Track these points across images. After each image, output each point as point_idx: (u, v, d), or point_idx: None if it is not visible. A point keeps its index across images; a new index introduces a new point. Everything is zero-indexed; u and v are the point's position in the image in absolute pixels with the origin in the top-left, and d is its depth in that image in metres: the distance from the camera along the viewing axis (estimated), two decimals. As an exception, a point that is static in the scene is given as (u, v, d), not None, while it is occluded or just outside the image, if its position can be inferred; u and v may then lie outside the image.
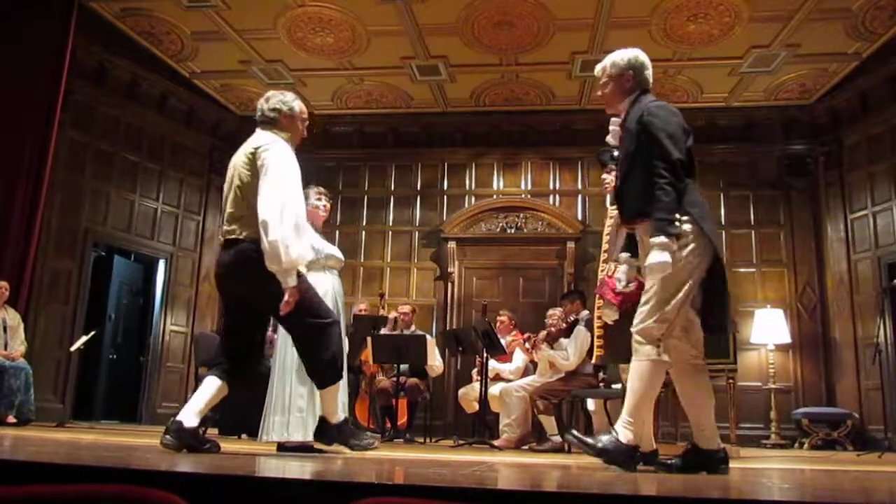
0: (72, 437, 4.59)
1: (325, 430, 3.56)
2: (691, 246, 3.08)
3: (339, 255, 4.59)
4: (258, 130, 3.61)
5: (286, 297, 3.25)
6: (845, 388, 8.73)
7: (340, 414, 3.68)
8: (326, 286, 4.29)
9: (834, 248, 9.12)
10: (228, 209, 3.44)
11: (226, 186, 3.55)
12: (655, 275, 3.05)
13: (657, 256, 2.99)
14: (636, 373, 3.11)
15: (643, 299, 3.15)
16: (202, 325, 9.71)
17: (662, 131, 3.13)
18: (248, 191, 3.36)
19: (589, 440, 3.11)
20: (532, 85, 9.42)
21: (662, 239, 2.99)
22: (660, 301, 3.08)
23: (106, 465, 2.18)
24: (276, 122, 3.60)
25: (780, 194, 9.63)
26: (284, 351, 4.39)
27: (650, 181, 3.10)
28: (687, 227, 3.07)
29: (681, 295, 3.07)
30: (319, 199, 4.67)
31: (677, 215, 3.04)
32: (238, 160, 3.50)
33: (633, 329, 3.13)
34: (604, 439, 3.11)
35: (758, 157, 9.78)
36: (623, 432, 3.10)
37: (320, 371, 3.45)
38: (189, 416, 3.31)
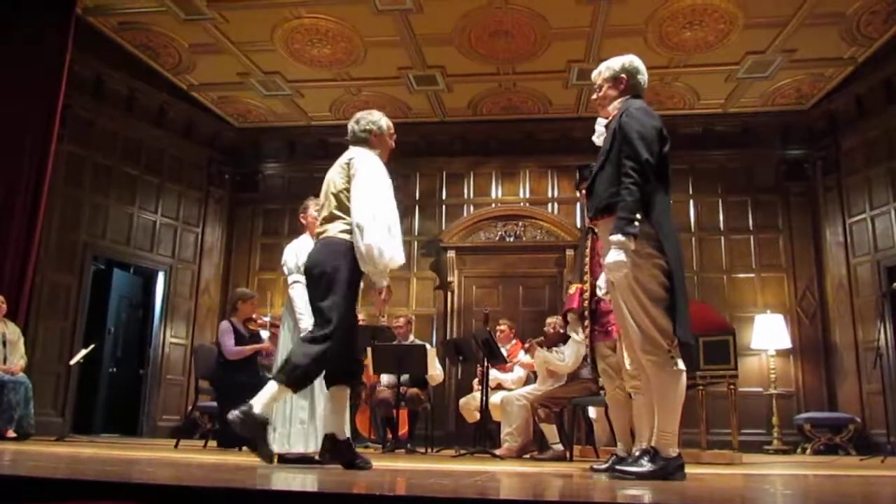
0: (72, 452, 4.58)
1: (337, 449, 3.44)
2: (650, 254, 3.09)
3: None
4: (350, 147, 3.85)
5: (382, 295, 3.56)
6: (847, 393, 8.71)
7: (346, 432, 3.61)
8: None
9: (833, 253, 9.12)
10: (323, 213, 3.73)
11: (321, 197, 3.81)
12: (612, 273, 3.08)
13: (613, 256, 3.02)
14: (663, 390, 3.10)
15: (629, 322, 3.13)
16: (202, 336, 9.69)
17: (636, 132, 3.16)
18: (340, 196, 3.64)
19: (632, 469, 3.05)
20: (529, 94, 9.45)
21: (619, 238, 3.02)
22: (645, 317, 3.08)
23: (107, 479, 2.17)
24: (367, 140, 3.84)
25: (779, 199, 9.65)
26: None
27: (618, 180, 3.14)
28: (647, 231, 3.08)
29: (653, 302, 3.08)
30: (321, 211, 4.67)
31: (638, 216, 3.04)
32: (334, 171, 3.76)
33: (640, 353, 3.12)
34: (644, 462, 3.05)
35: (755, 162, 9.80)
36: (664, 447, 3.07)
37: (293, 368, 3.35)
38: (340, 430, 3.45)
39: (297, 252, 4.68)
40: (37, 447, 5.19)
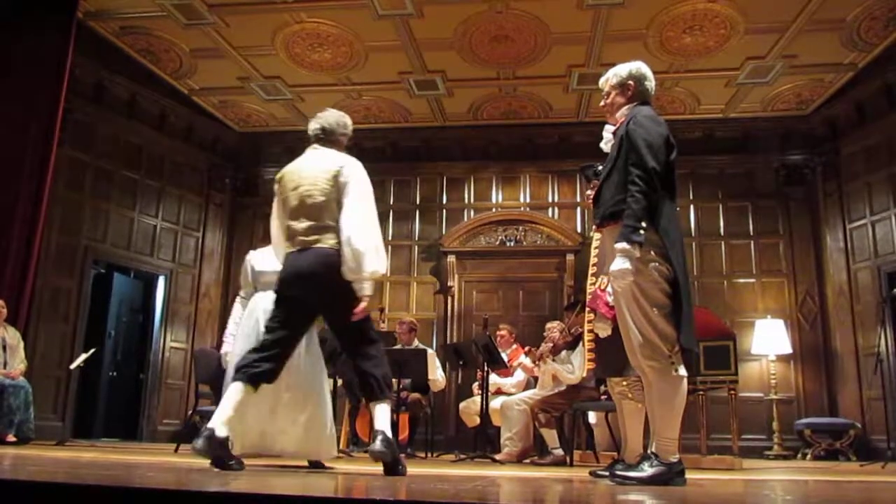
0: (72, 456, 4.58)
1: (388, 445, 3.34)
2: (654, 262, 3.09)
3: (272, 269, 4.16)
4: (325, 147, 3.77)
5: (362, 305, 3.47)
6: (847, 398, 8.70)
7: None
8: (252, 306, 4.23)
9: (833, 258, 9.12)
10: (308, 221, 3.56)
11: (295, 198, 3.63)
12: (616, 281, 3.08)
13: (618, 263, 3.02)
14: (663, 395, 3.09)
15: (632, 328, 3.12)
16: (202, 341, 9.69)
17: (643, 140, 3.15)
18: (331, 204, 3.55)
19: (633, 474, 3.02)
20: (530, 98, 9.46)
21: (624, 245, 3.01)
22: (647, 324, 3.08)
23: (107, 484, 2.17)
24: (339, 142, 3.82)
25: (779, 204, 9.65)
26: None
27: (625, 188, 3.14)
28: (652, 239, 3.08)
29: (656, 309, 3.08)
30: None
31: (644, 224, 3.04)
32: (316, 175, 3.62)
33: (642, 359, 3.10)
34: (645, 467, 3.03)
35: (755, 167, 9.81)
36: (665, 452, 3.06)
37: (372, 384, 3.44)
38: (219, 425, 3.31)
39: (249, 262, 4.55)
40: (37, 451, 5.18)
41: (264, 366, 3.43)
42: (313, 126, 3.83)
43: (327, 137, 3.80)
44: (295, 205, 3.62)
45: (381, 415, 3.41)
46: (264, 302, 4.20)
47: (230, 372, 4.07)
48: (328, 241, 3.51)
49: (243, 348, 4.07)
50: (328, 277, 3.46)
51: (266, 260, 4.40)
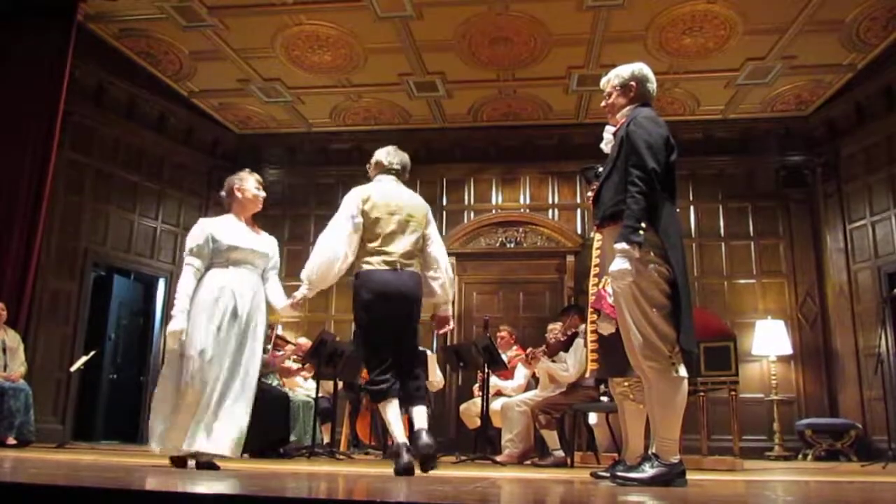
0: (72, 459, 4.58)
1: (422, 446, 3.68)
2: (654, 263, 3.10)
3: (248, 246, 4.05)
4: (401, 183, 4.20)
5: (451, 323, 4.39)
6: (848, 399, 8.70)
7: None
8: (222, 282, 3.92)
9: (833, 259, 9.12)
10: (405, 247, 3.99)
11: (393, 222, 3.98)
12: (616, 282, 3.08)
13: (618, 264, 3.02)
14: (664, 396, 3.09)
15: (632, 329, 3.12)
16: (202, 343, 9.65)
17: (643, 140, 3.16)
18: (420, 236, 4.07)
19: (633, 475, 3.02)
20: (529, 100, 9.46)
21: (624, 246, 3.02)
22: (647, 324, 3.08)
23: (107, 486, 2.17)
24: (406, 180, 4.27)
25: (779, 205, 9.65)
26: None
27: (625, 188, 3.15)
28: (652, 240, 3.09)
29: (655, 309, 3.08)
30: (259, 190, 4.23)
31: (643, 225, 3.05)
32: (413, 207, 4.09)
33: (642, 360, 3.10)
34: (646, 468, 3.03)
35: (755, 168, 9.81)
36: (666, 453, 3.06)
37: (419, 389, 3.90)
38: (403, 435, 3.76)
39: (210, 231, 4.02)
40: (37, 454, 5.18)
41: (394, 383, 3.83)
42: (393, 160, 4.19)
43: (404, 173, 4.24)
44: (392, 228, 3.97)
45: (422, 415, 3.80)
46: (239, 282, 3.95)
47: (192, 355, 3.75)
48: (416, 266, 4.03)
49: (209, 329, 3.81)
50: (420, 296, 4.05)
51: (235, 234, 4.04)
